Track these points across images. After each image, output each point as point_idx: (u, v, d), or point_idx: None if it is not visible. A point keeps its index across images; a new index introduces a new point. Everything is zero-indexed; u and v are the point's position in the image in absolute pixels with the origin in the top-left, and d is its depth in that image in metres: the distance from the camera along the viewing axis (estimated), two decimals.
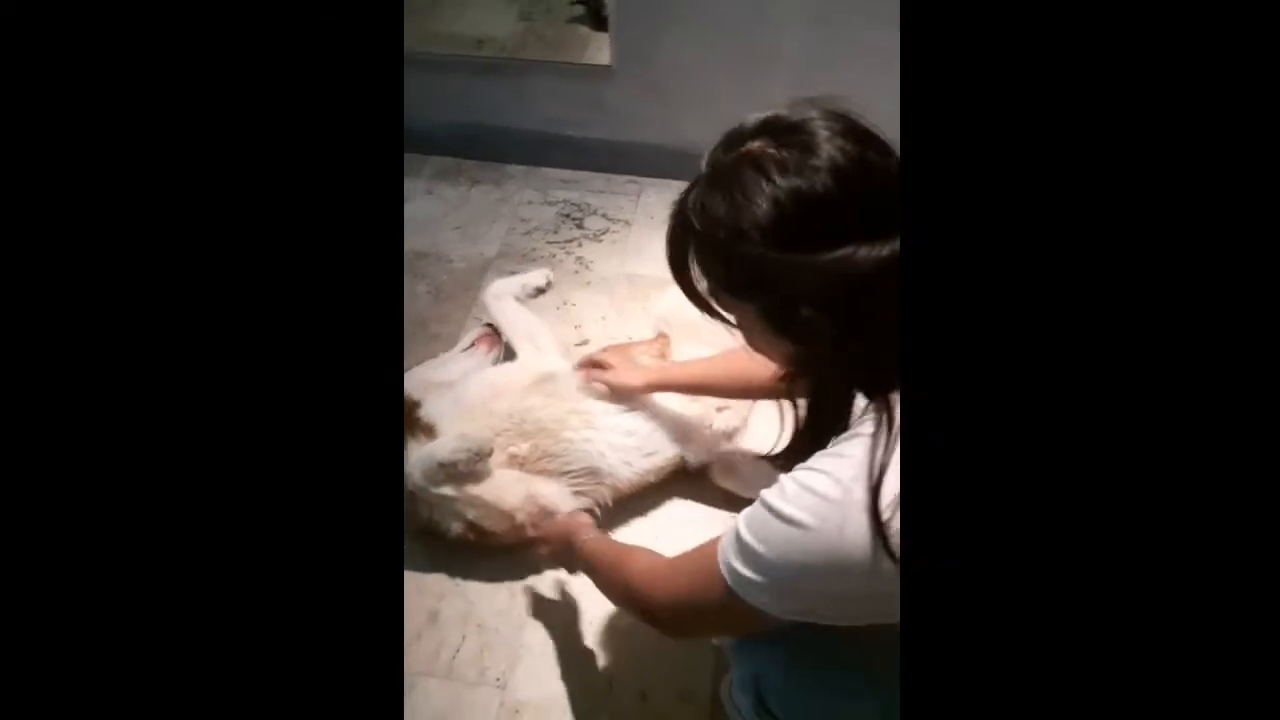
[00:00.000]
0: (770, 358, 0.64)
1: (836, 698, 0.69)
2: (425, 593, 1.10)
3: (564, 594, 1.09)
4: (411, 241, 1.64)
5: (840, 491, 0.52)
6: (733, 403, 1.15)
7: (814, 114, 0.55)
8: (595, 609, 1.08)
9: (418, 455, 1.01)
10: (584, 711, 0.99)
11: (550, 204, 1.76)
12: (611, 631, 1.05)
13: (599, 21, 1.71)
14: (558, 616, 1.08)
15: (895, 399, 0.53)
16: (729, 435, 1.15)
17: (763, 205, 0.53)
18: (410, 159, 1.83)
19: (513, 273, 1.47)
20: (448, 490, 1.01)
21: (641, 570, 0.71)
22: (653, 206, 1.74)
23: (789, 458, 0.65)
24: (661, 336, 1.24)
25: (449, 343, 1.37)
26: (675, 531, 1.16)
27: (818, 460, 0.56)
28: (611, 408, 1.08)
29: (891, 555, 0.49)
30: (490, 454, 1.00)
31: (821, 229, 0.52)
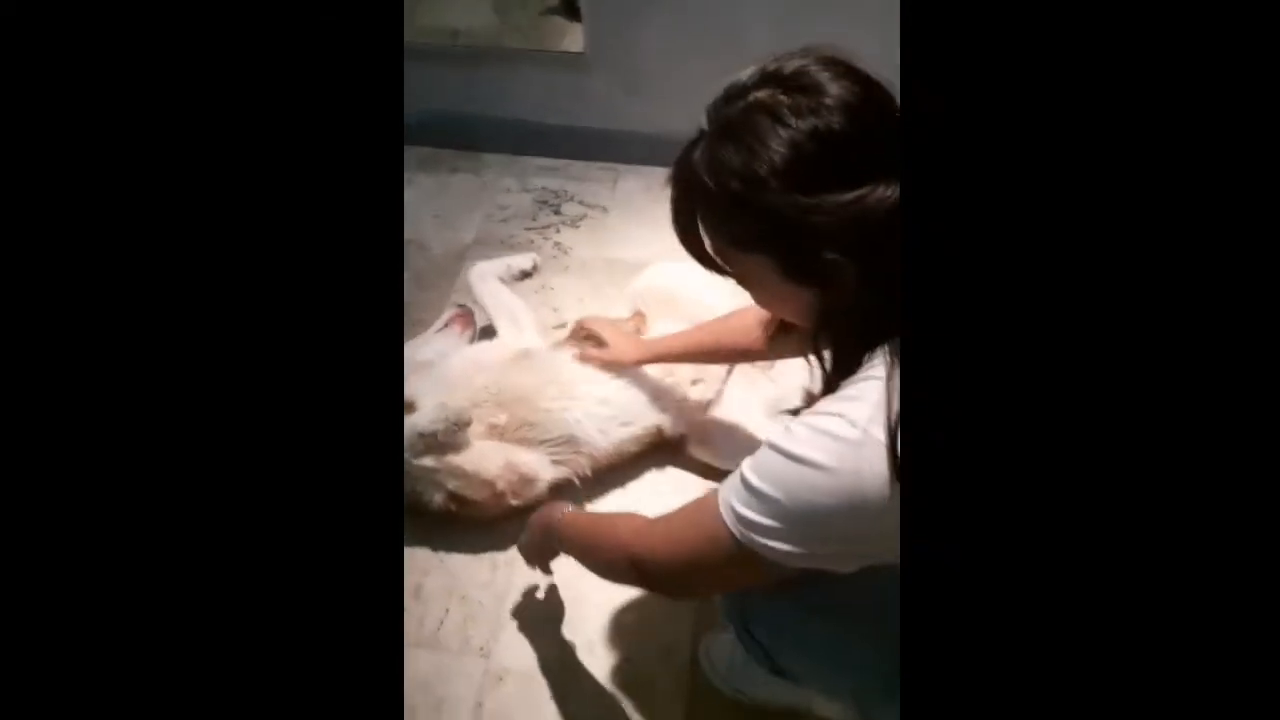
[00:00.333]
0: (783, 313, 0.62)
1: (824, 625, 0.70)
2: (410, 568, 1.12)
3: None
4: None
5: (857, 433, 0.51)
6: (707, 375, 1.17)
7: (810, 60, 0.55)
8: (576, 581, 1.10)
9: None
10: (566, 675, 1.01)
11: (528, 191, 1.78)
12: (592, 599, 1.08)
13: (574, 13, 1.73)
14: (539, 587, 1.10)
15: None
16: (704, 406, 1.18)
17: (780, 149, 0.52)
18: None
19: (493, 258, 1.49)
20: (429, 461, 1.03)
21: (634, 532, 0.69)
22: (629, 192, 1.77)
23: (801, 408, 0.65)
24: (638, 314, 1.27)
25: (429, 327, 1.39)
26: (654, 505, 1.18)
27: (827, 404, 0.55)
28: (587, 378, 1.10)
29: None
30: (469, 423, 1.02)
31: (841, 168, 0.52)
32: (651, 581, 0.69)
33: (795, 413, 0.64)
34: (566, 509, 0.86)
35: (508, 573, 1.12)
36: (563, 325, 1.46)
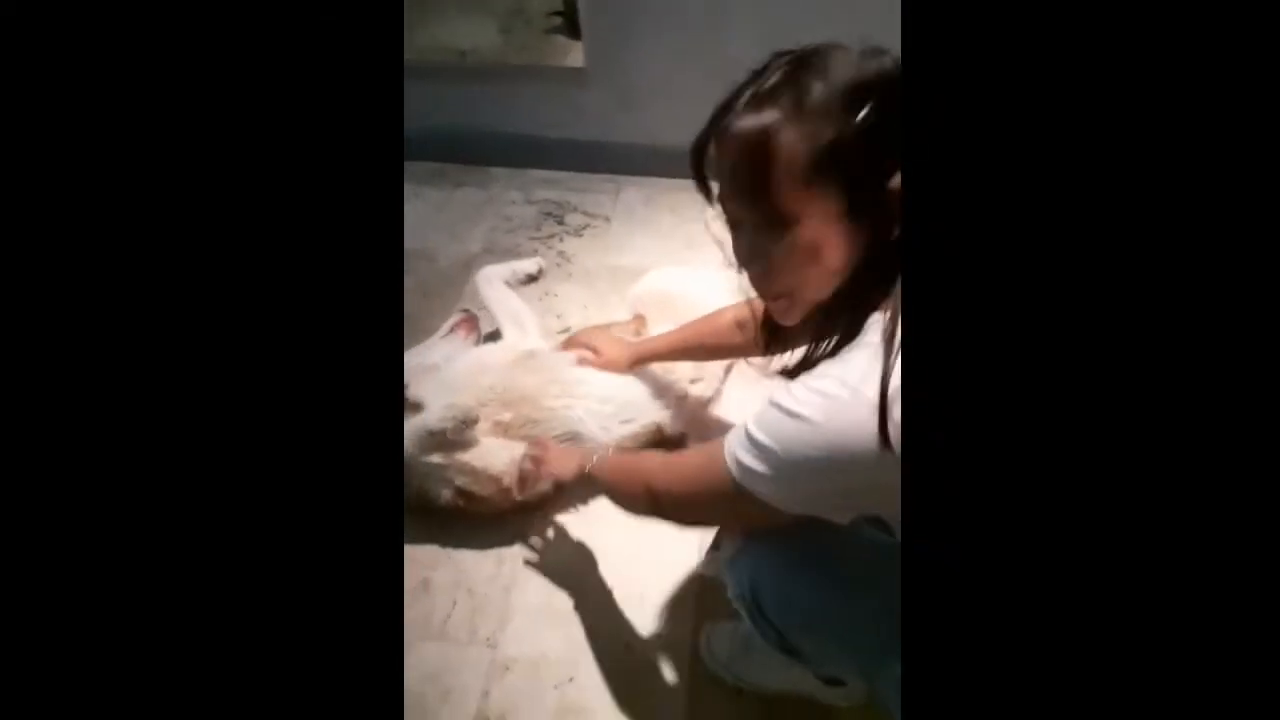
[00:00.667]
0: (812, 276, 0.63)
1: (832, 599, 0.73)
2: (417, 562, 1.15)
3: (551, 549, 1.15)
4: None
5: (847, 392, 0.56)
6: (706, 373, 1.21)
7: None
8: (580, 573, 1.13)
9: (408, 427, 1.07)
10: (571, 663, 1.04)
11: (532, 203, 1.83)
12: (596, 590, 1.11)
13: (575, 31, 1.79)
14: (545, 579, 1.13)
15: (896, 308, 0.57)
16: (703, 404, 1.21)
17: (843, 77, 0.57)
18: None
19: None
20: (437, 458, 1.06)
21: (657, 463, 0.79)
22: (631, 203, 1.82)
23: (799, 370, 0.70)
24: (638, 317, 1.31)
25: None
26: None
27: (825, 366, 0.60)
28: (590, 377, 1.14)
29: (894, 452, 0.53)
30: (476, 421, 1.06)
31: (891, 107, 0.56)
32: (665, 512, 0.77)
33: (792, 374, 0.70)
34: (594, 456, 0.93)
35: (513, 566, 1.15)
36: (566, 330, 1.50)
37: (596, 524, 1.19)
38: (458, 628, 1.09)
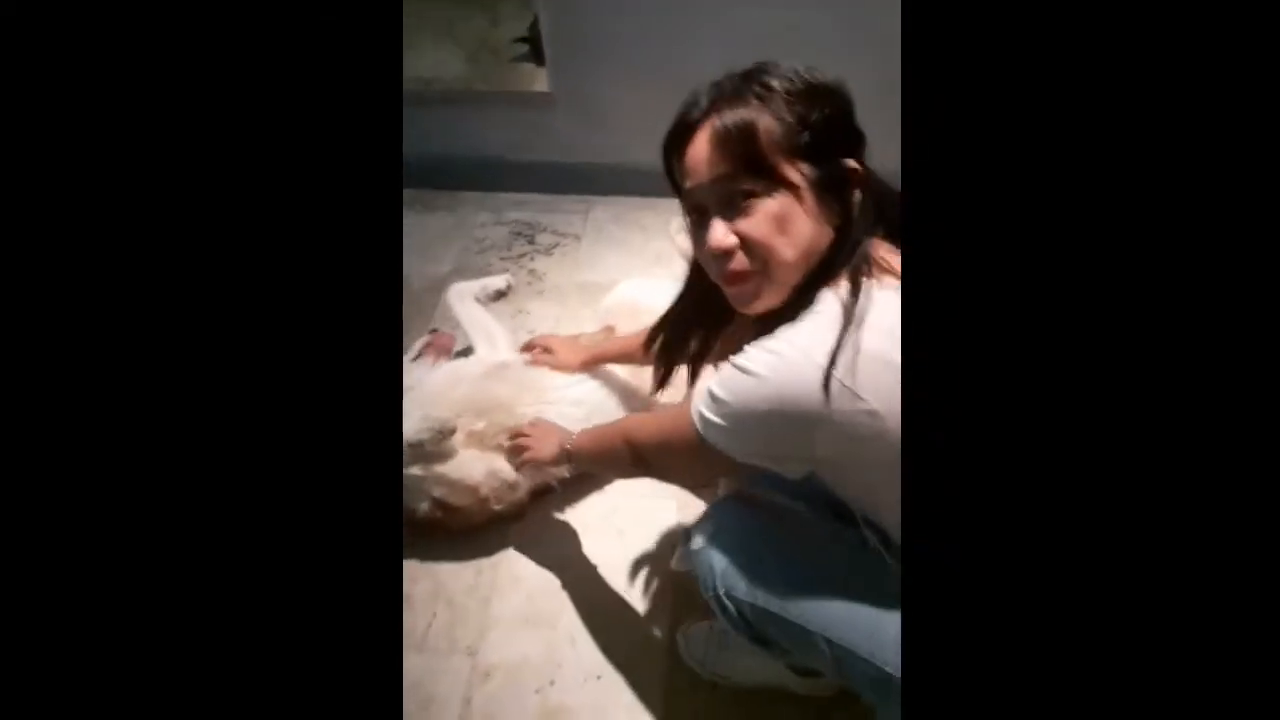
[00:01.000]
0: (786, 243, 0.68)
1: (805, 593, 0.77)
2: None
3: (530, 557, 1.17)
4: None
5: (795, 352, 0.63)
6: (676, 378, 1.24)
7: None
8: (557, 581, 1.15)
9: None
10: (550, 666, 1.05)
11: (503, 224, 1.87)
12: (573, 594, 1.13)
13: (539, 57, 1.85)
14: (522, 586, 1.15)
15: (845, 283, 0.65)
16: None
17: (804, 77, 0.69)
18: None
19: None
20: (416, 470, 1.08)
21: (633, 422, 0.89)
22: (600, 221, 1.86)
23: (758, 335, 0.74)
24: (607, 328, 1.34)
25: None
26: (631, 505, 1.24)
27: (781, 330, 0.66)
28: (560, 383, 1.17)
29: (838, 410, 0.60)
30: (453, 432, 1.08)
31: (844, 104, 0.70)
32: (645, 467, 0.85)
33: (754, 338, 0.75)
34: (572, 437, 0.98)
35: (492, 576, 1.16)
36: None
37: (573, 530, 1.21)
38: (438, 638, 1.10)
